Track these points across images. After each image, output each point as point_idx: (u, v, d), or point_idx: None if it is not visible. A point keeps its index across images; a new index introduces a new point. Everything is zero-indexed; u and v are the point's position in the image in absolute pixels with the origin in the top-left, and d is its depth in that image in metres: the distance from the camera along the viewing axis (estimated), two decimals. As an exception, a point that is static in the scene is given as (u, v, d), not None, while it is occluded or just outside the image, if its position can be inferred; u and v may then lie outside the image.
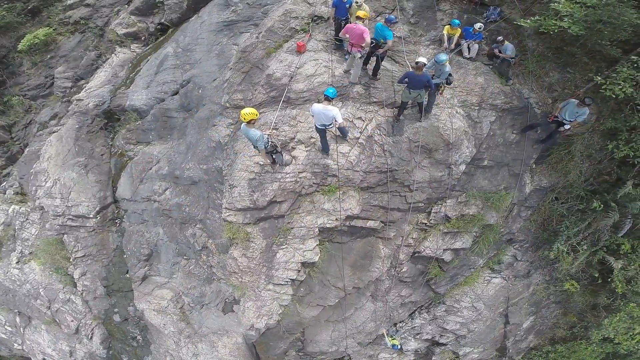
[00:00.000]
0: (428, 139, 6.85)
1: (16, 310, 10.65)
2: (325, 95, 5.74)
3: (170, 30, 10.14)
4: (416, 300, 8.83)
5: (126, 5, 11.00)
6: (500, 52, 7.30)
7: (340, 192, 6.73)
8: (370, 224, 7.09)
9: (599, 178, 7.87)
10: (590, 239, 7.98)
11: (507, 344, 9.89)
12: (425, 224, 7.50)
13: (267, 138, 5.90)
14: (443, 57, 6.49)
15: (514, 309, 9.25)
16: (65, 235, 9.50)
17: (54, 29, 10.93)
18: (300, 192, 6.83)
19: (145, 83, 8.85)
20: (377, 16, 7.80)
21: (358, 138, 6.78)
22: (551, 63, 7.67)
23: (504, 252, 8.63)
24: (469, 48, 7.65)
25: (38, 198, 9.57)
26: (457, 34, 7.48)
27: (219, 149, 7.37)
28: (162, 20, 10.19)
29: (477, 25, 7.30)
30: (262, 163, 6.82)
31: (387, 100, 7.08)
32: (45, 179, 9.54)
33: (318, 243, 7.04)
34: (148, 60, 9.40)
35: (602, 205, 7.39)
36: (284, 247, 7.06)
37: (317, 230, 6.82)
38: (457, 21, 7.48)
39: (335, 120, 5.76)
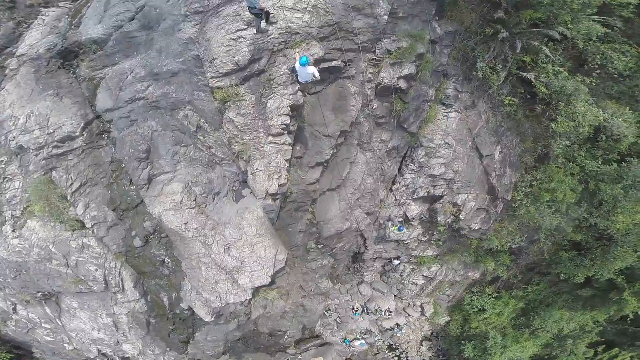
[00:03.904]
0: (354, 2, 8.77)
1: (39, 294, 10.12)
2: (300, 62, 7.28)
3: None
4: (397, 145, 10.40)
5: None
6: None
7: (304, 44, 8.15)
8: (334, 63, 8.82)
9: (486, 17, 10.24)
10: (501, 59, 10.34)
11: (492, 182, 11.76)
12: (374, 59, 9.45)
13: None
14: None
15: (480, 140, 11.28)
16: (54, 171, 9.36)
17: None
18: (272, 49, 8.18)
19: (97, 20, 9.15)
20: None
21: (306, 7, 8.39)
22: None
23: (445, 85, 10.69)
24: None
25: (12, 140, 9.22)
26: None
27: (191, 43, 8.18)
28: None
29: None
30: (235, 38, 7.96)
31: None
32: (15, 121, 9.24)
33: (299, 87, 8.34)
34: (89, 6, 9.54)
35: (492, 31, 9.80)
36: (271, 96, 8.26)
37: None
38: None
39: (314, 76, 7.54)
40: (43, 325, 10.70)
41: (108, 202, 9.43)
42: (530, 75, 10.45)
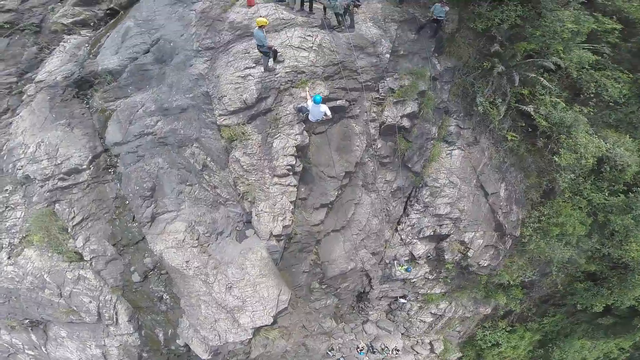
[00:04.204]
0: (358, 41, 9.16)
1: (27, 320, 9.76)
2: (314, 100, 7.49)
3: (120, 13, 10.73)
4: (401, 185, 10.37)
5: (59, 3, 11.32)
6: None
7: (310, 83, 8.40)
8: (339, 102, 9.00)
9: (483, 51, 10.80)
10: (500, 93, 10.62)
11: (499, 220, 11.63)
12: (378, 97, 9.69)
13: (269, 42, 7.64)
14: None
15: (484, 178, 11.26)
16: (57, 204, 9.24)
17: None
18: (279, 88, 8.37)
19: (113, 50, 9.44)
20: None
21: (312, 47, 8.77)
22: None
23: (448, 122, 10.87)
24: None
25: (19, 169, 9.21)
26: None
27: (201, 79, 8.44)
28: (112, 5, 10.85)
29: None
30: (243, 75, 8.24)
31: (322, 24, 9.40)
32: (24, 149, 9.29)
33: (304, 127, 8.43)
34: (109, 36, 9.89)
35: (489, 65, 10.25)
36: (277, 136, 8.34)
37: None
38: None
39: (326, 114, 7.65)
40: (26, 351, 10.19)
41: (109, 237, 9.30)
42: (530, 108, 10.70)
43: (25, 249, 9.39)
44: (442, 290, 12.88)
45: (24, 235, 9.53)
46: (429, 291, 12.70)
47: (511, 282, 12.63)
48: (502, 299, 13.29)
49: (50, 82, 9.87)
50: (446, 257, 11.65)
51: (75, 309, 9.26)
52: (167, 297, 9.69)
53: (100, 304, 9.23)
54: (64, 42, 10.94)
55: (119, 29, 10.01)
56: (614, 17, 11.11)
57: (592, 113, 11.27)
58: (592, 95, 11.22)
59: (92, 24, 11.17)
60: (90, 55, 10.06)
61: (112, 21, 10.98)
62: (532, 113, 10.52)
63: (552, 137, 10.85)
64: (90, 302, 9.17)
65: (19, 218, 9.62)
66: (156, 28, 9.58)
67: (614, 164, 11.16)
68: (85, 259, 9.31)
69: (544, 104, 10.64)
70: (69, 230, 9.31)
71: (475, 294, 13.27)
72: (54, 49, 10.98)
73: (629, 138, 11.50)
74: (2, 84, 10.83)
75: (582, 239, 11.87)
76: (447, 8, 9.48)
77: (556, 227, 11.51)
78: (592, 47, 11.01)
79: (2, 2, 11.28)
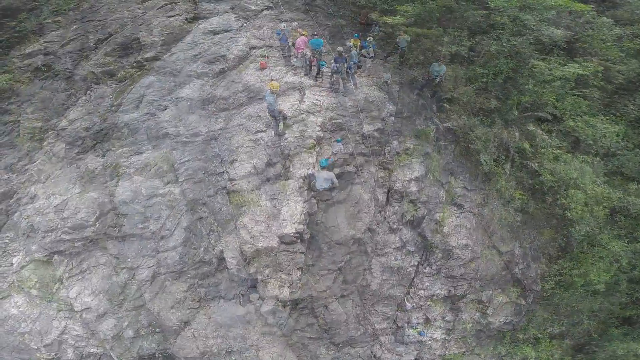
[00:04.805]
0: (363, 105, 9.67)
1: None
2: (320, 164, 7.89)
3: (145, 66, 11.14)
4: (412, 250, 10.10)
5: (93, 51, 11.84)
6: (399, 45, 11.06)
7: (318, 147, 8.64)
8: (347, 168, 9.10)
9: (481, 107, 11.16)
10: (503, 149, 10.74)
11: (517, 276, 11.09)
12: (385, 162, 9.79)
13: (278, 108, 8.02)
14: (349, 44, 10.67)
15: (497, 238, 10.94)
16: (56, 255, 8.97)
17: (11, 76, 11.17)
18: (288, 153, 8.56)
19: (134, 105, 9.85)
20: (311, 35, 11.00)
21: (320, 110, 9.20)
22: (416, 50, 11.63)
23: (455, 184, 10.83)
24: (368, 53, 11.76)
25: (25, 219, 9.09)
26: (358, 43, 11.50)
27: (214, 140, 8.72)
28: (138, 58, 11.35)
29: (369, 38, 11.70)
30: (254, 139, 8.53)
31: (329, 88, 9.99)
32: (34, 200, 9.31)
33: (313, 194, 8.46)
34: (133, 88, 10.34)
35: (489, 121, 10.59)
36: (285, 203, 8.28)
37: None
38: (356, 35, 11.81)
39: (332, 182, 7.81)
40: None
41: (105, 291, 8.93)
42: (534, 163, 10.62)
43: (12, 294, 8.99)
44: (462, 350, 11.77)
45: (15, 280, 9.16)
46: (446, 352, 11.61)
47: (538, 335, 11.66)
48: (530, 352, 11.95)
49: (71, 131, 10.25)
50: (463, 317, 10.86)
51: (54, 356, 8.60)
52: (159, 355, 9.01)
53: (84, 355, 8.59)
54: (91, 91, 11.38)
55: (143, 82, 10.64)
56: (594, 59, 11.59)
57: (595, 162, 11.17)
58: (591, 142, 11.23)
59: (119, 75, 11.67)
60: (113, 107, 10.54)
61: (137, 74, 11.52)
62: (537, 168, 10.49)
63: (561, 191, 10.67)
64: (74, 351, 8.56)
65: (13, 264, 9.34)
66: (176, 85, 10.21)
67: (627, 212, 10.86)
68: (75, 309, 8.85)
69: (547, 156, 10.67)
70: (64, 281, 8.97)
71: (499, 350, 12.03)
72: (81, 97, 11.37)
73: (637, 185, 11.24)
74: (27, 128, 11.02)
75: (611, 286, 11.20)
76: (444, 66, 10.03)
77: (579, 278, 10.94)
78: (581, 93, 11.33)
79: (45, 44, 11.95)
